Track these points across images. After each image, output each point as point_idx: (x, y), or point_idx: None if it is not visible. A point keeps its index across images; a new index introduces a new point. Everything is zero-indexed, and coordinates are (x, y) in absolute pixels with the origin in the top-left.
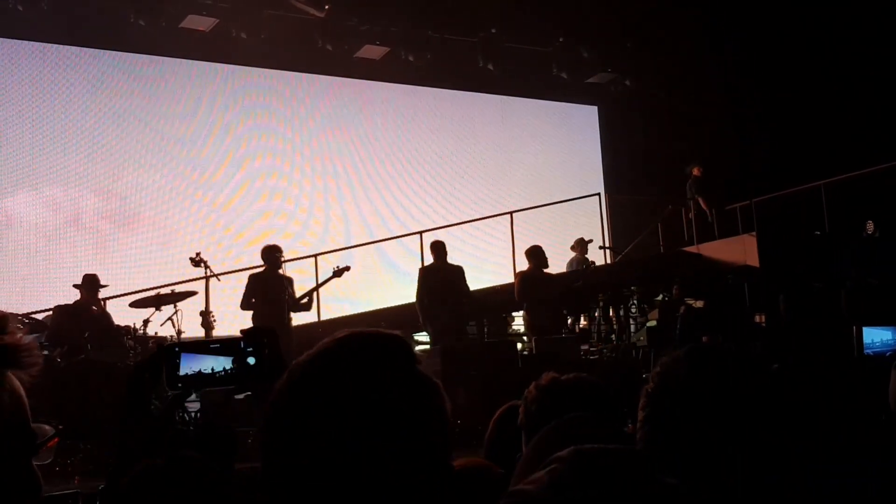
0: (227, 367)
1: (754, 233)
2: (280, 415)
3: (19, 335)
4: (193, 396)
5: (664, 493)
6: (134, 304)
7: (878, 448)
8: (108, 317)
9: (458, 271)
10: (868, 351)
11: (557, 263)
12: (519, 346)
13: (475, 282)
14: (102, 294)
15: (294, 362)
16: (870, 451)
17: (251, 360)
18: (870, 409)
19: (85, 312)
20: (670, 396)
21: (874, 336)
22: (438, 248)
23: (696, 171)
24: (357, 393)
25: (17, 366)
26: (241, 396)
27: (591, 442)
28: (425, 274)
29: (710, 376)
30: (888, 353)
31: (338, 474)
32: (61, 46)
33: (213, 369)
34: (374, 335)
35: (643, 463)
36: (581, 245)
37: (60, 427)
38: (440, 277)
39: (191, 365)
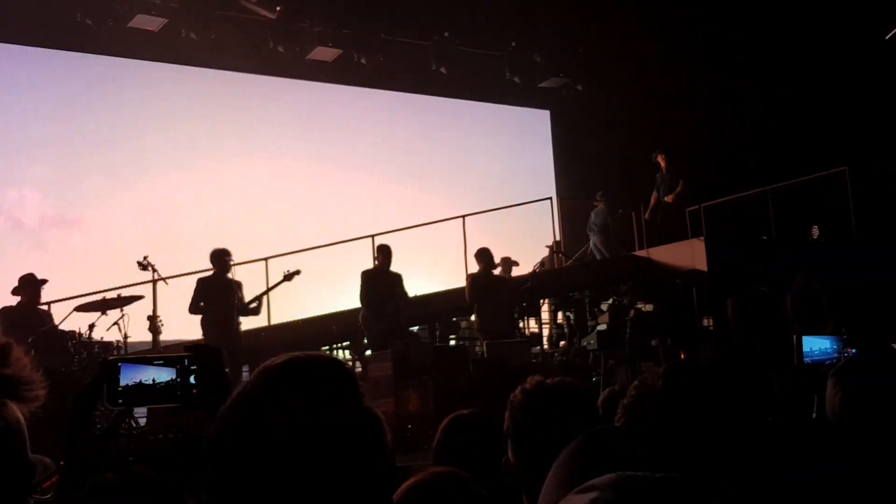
0: (169, 378)
1: (703, 237)
2: (222, 443)
3: (23, 366)
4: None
5: None
6: (79, 309)
7: (818, 455)
8: (50, 318)
9: (398, 277)
10: (807, 359)
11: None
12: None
13: (427, 286)
14: (47, 297)
15: (238, 389)
16: (811, 458)
17: (193, 380)
18: (808, 416)
19: (32, 315)
20: (646, 409)
21: (813, 345)
22: (385, 252)
23: (660, 160)
24: (300, 421)
25: (16, 398)
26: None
27: (620, 460)
28: (370, 276)
29: (686, 391)
30: (826, 362)
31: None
32: (3, 45)
33: (154, 381)
34: (318, 360)
35: (686, 491)
36: (604, 198)
37: (62, 463)
38: (383, 281)
39: (131, 376)
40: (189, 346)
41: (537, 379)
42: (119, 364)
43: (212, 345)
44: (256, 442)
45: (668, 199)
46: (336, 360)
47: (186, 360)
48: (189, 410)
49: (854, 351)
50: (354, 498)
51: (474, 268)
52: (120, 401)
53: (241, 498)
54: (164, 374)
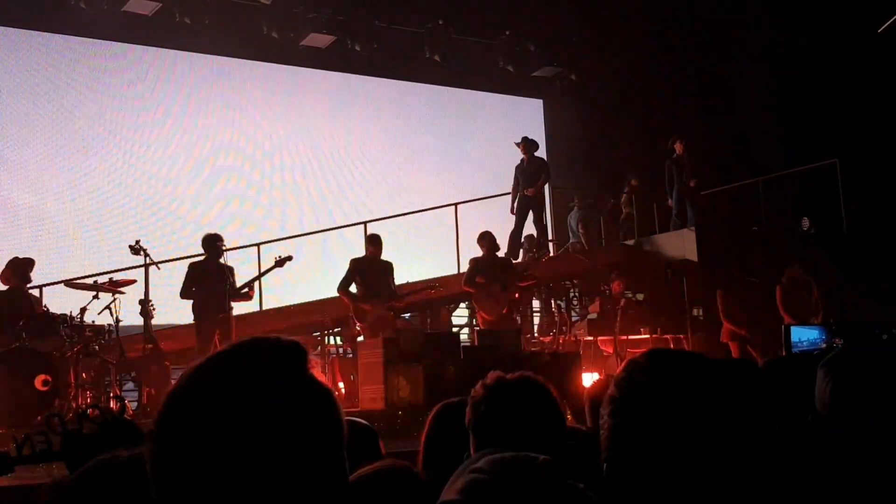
0: None
1: (693, 227)
2: (166, 423)
3: None
4: (132, 386)
5: (575, 499)
6: (69, 284)
7: (806, 450)
8: (38, 302)
9: (390, 266)
10: (796, 349)
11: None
12: (463, 336)
13: (419, 273)
14: (39, 280)
15: (186, 368)
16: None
17: None
18: (796, 408)
19: (21, 299)
20: (635, 401)
21: (801, 335)
22: (376, 242)
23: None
24: (243, 401)
25: None
26: None
27: None
28: (358, 264)
29: (674, 379)
30: (815, 352)
31: (223, 487)
32: None
33: None
34: (266, 341)
35: (556, 470)
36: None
37: None
38: (374, 269)
39: None
40: None
41: (498, 374)
42: None
43: (203, 329)
44: (205, 412)
45: (528, 191)
46: (291, 339)
47: None
48: None
49: (842, 341)
50: (306, 468)
51: (468, 255)
52: None
53: (191, 468)
54: None
